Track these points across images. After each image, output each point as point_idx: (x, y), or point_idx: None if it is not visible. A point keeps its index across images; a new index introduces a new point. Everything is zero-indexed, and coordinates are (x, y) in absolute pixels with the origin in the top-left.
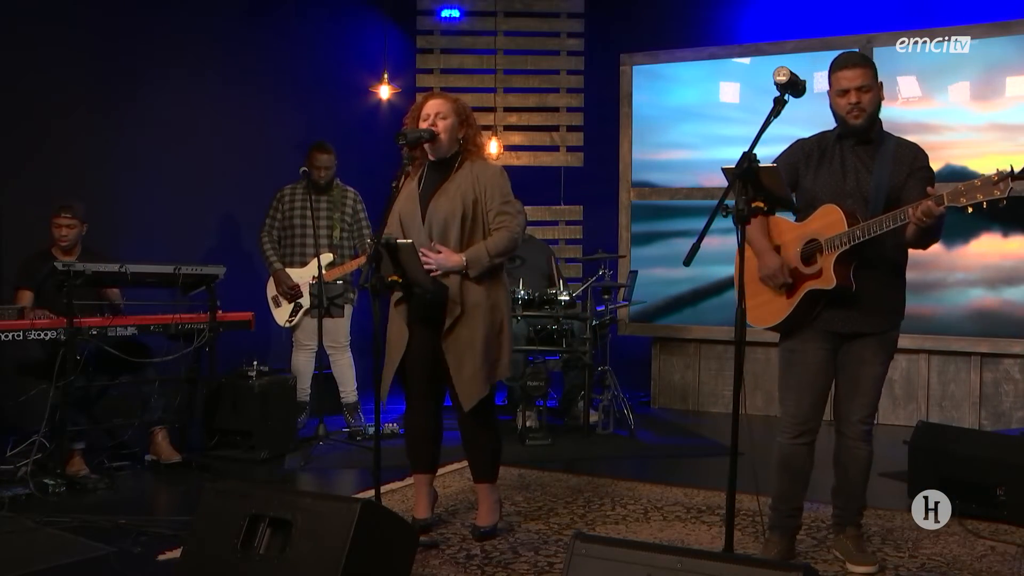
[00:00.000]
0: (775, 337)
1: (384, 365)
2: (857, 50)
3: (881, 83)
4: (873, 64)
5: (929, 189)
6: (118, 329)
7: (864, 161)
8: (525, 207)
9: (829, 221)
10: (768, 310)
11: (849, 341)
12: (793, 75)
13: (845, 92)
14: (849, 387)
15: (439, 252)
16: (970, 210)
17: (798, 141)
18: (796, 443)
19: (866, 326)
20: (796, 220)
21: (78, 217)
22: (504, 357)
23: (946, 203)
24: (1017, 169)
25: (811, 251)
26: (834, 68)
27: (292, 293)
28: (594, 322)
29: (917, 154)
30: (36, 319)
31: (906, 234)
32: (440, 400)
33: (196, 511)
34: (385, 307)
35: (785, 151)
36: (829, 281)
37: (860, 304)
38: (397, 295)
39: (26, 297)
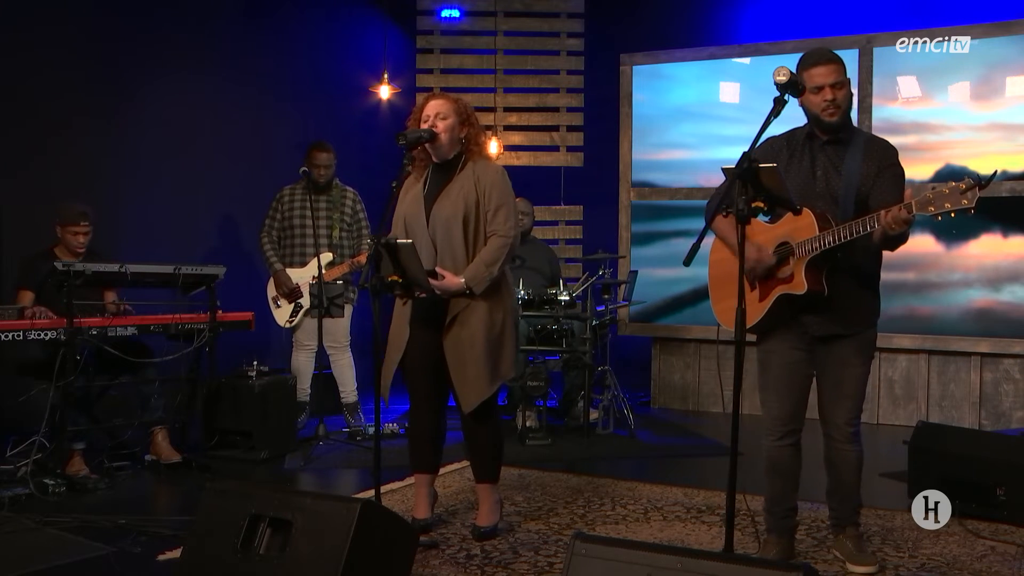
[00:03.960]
0: None
1: (384, 364)
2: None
3: (849, 80)
4: (843, 61)
5: (908, 192)
6: (118, 329)
7: (833, 161)
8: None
9: (800, 224)
10: None
11: (827, 343)
12: (793, 75)
13: (820, 89)
14: (832, 390)
15: (441, 278)
16: (939, 218)
17: (769, 139)
18: (781, 444)
19: (842, 328)
20: (768, 222)
21: (93, 221)
22: (506, 358)
23: (915, 211)
24: (985, 178)
25: (783, 254)
26: (806, 65)
27: (293, 294)
28: (594, 322)
29: (886, 151)
30: (36, 318)
31: (872, 238)
32: (444, 400)
33: (196, 511)
34: (386, 307)
35: (757, 149)
36: (800, 286)
37: (834, 306)
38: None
39: (27, 298)
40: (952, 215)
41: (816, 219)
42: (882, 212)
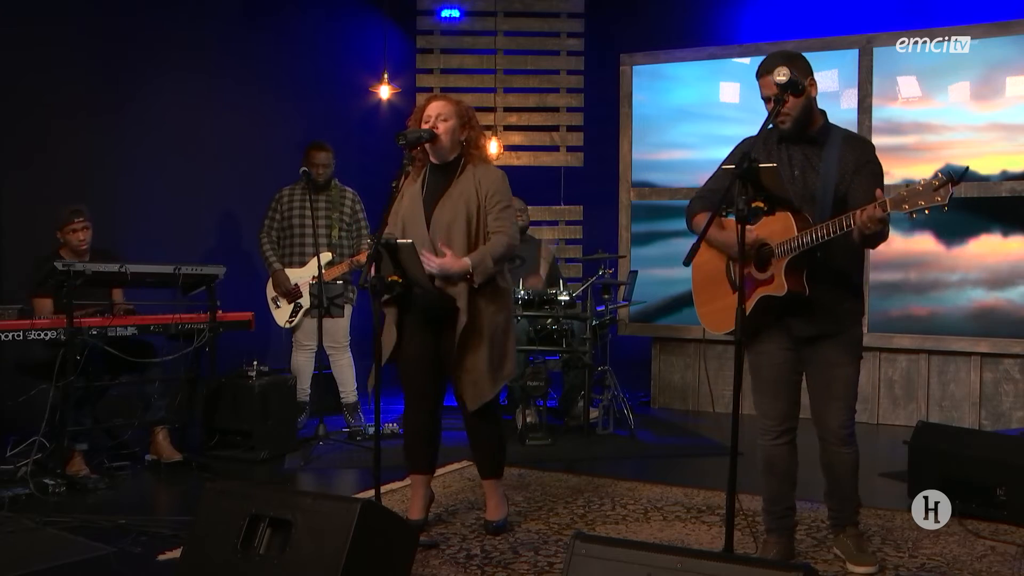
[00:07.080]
0: None
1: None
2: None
3: (812, 80)
4: (796, 63)
5: (877, 192)
6: (118, 329)
7: (811, 160)
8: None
9: (779, 226)
10: (724, 316)
11: (812, 344)
12: (793, 75)
13: (767, 99)
14: (822, 393)
15: (444, 255)
16: (913, 216)
17: (744, 140)
18: (777, 443)
19: (825, 328)
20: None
21: (89, 218)
22: (509, 358)
23: (889, 210)
24: (958, 173)
25: (764, 256)
26: (756, 73)
27: (291, 294)
28: (594, 322)
29: (864, 149)
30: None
31: (852, 236)
32: (439, 400)
33: (196, 511)
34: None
35: (732, 151)
36: (781, 288)
37: (816, 307)
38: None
39: (46, 306)
40: (927, 212)
41: (794, 219)
42: (857, 212)
